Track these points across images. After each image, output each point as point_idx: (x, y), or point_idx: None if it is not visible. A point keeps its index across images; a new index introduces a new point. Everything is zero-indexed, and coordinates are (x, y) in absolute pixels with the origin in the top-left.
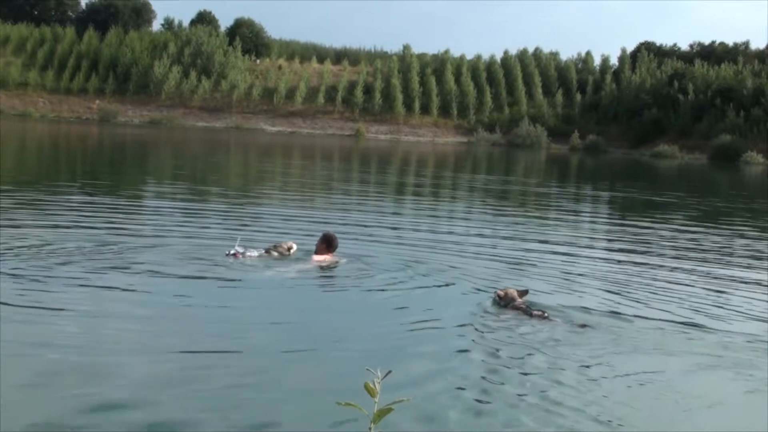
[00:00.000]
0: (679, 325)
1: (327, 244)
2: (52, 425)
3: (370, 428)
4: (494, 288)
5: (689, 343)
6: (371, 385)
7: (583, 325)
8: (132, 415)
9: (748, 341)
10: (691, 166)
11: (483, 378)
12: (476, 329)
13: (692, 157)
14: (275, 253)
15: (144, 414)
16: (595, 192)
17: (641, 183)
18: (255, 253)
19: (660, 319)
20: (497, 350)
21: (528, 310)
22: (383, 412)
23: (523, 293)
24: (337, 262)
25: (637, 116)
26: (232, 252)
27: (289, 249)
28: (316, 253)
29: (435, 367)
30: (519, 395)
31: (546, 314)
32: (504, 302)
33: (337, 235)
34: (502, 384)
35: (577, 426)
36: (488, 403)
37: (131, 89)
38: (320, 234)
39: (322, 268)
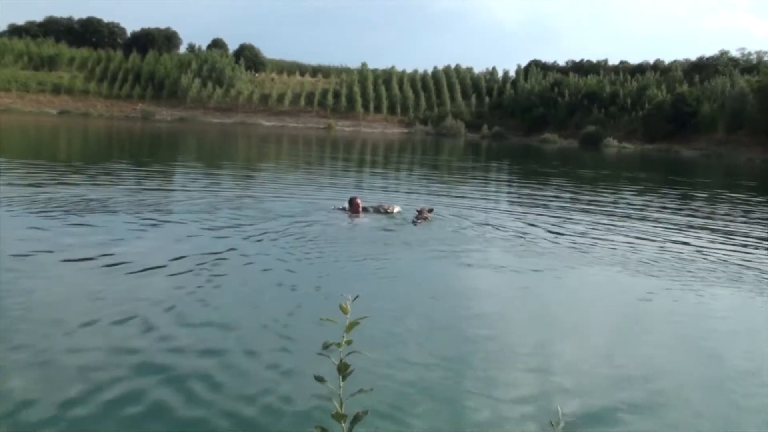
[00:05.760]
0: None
1: (353, 204)
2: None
3: (343, 337)
4: (423, 207)
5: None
6: (344, 305)
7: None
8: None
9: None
10: (566, 148)
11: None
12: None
13: (567, 142)
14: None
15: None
16: (500, 165)
17: (531, 160)
18: (345, 206)
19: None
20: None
21: (419, 219)
22: (353, 324)
23: (430, 210)
24: (360, 215)
25: (529, 113)
26: (340, 207)
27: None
28: (351, 211)
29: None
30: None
31: (419, 221)
32: (418, 214)
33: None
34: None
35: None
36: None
37: (164, 95)
38: (347, 199)
39: (359, 217)
